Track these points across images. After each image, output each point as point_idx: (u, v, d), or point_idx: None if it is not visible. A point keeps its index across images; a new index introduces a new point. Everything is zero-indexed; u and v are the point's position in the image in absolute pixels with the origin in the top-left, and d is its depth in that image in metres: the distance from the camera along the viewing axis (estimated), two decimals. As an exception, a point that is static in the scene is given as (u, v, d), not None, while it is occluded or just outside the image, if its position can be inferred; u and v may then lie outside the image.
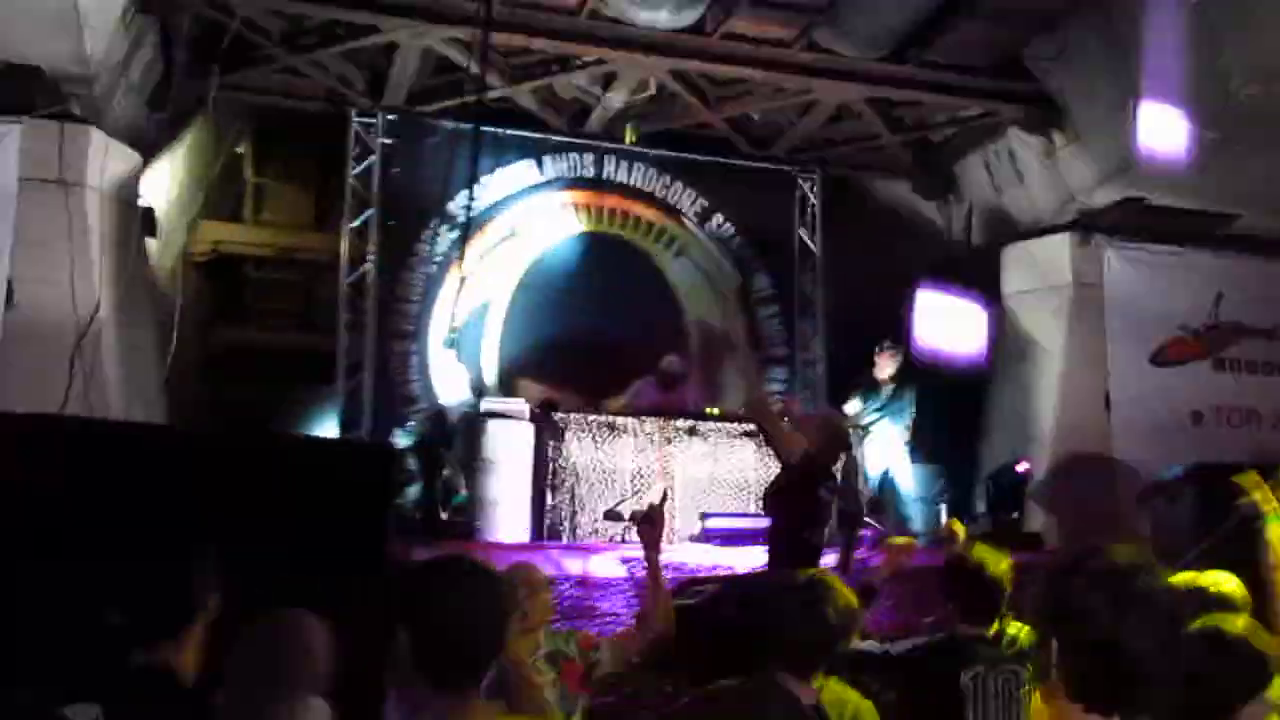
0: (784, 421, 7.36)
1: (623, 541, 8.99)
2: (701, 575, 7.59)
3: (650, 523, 4.63)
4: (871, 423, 10.79)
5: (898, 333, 11.35)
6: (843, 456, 6.71)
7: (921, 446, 10.95)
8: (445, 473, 9.31)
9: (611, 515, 9.07)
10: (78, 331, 9.01)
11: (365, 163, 11.39)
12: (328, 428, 11.38)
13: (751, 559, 7.76)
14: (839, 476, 6.59)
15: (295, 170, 13.19)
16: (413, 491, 9.03)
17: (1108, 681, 2.14)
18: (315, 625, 4.07)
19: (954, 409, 11.92)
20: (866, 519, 9.49)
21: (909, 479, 10.74)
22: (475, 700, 2.49)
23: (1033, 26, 10.79)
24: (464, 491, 9.03)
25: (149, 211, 10.79)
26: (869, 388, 10.97)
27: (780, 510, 6.70)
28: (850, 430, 6.81)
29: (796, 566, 5.99)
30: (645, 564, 4.63)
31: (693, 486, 9.64)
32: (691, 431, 9.81)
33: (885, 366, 10.92)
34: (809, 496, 6.39)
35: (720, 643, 4.10)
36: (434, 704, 2.41)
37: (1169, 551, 9.23)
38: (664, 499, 4.66)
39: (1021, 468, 10.54)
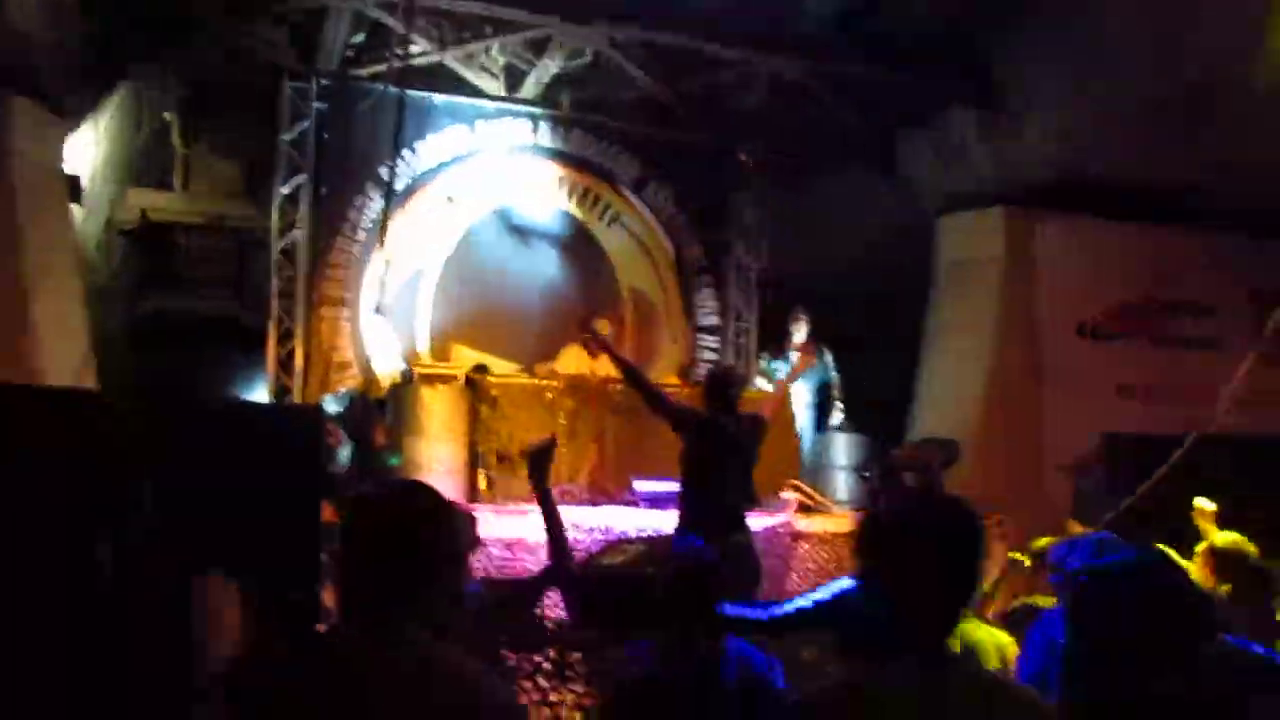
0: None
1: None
2: (629, 537, 7.82)
3: (538, 458, 4.72)
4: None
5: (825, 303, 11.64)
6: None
7: (851, 416, 11.22)
8: (379, 439, 9.49)
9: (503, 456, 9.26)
10: (3, 302, 9.12)
11: (298, 127, 11.51)
12: (259, 395, 11.54)
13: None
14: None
15: (225, 137, 13.21)
16: (344, 456, 9.20)
17: None
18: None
19: (885, 379, 12.25)
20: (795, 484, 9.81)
21: (833, 446, 11.04)
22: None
23: (975, 2, 11.08)
24: (398, 455, 9.21)
25: (74, 179, 10.88)
26: (777, 354, 11.33)
27: (682, 471, 6.81)
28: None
29: (703, 527, 6.25)
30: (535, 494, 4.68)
31: (624, 451, 9.86)
32: (625, 397, 9.97)
33: (797, 332, 11.23)
34: (703, 456, 6.51)
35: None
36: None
37: (1086, 519, 9.66)
38: (552, 443, 4.81)
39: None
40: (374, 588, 2.37)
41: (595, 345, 10.48)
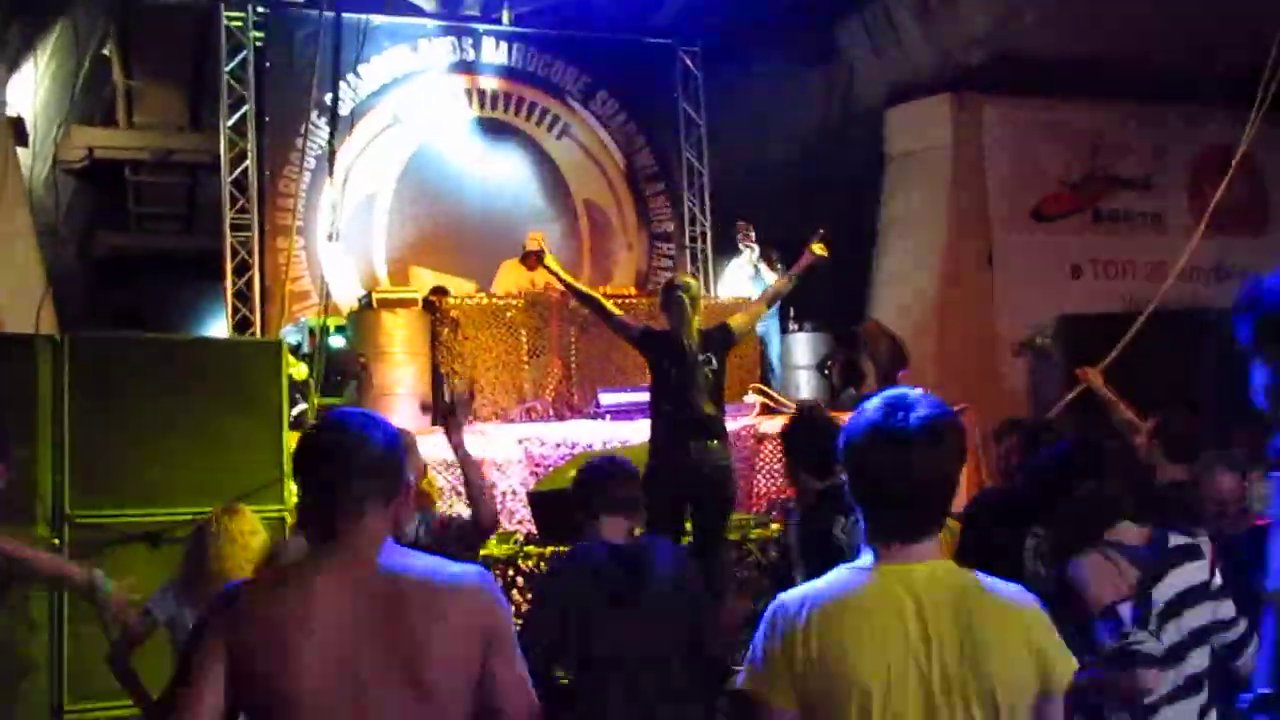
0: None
1: (518, 421, 9.32)
2: (594, 450, 7.94)
3: (452, 412, 4.83)
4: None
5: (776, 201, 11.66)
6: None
7: (807, 315, 11.29)
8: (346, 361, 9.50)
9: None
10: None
11: (238, 58, 11.37)
12: (218, 327, 11.53)
13: (643, 432, 8.07)
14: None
15: (166, 69, 13.01)
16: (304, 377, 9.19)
17: None
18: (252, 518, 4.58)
19: (837, 273, 12.31)
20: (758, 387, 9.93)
21: (790, 347, 11.14)
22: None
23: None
24: (352, 383, 9.22)
25: (18, 121, 10.75)
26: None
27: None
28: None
29: (666, 439, 6.35)
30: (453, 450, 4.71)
31: (588, 363, 9.94)
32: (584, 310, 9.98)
33: (744, 242, 11.27)
34: (658, 368, 6.52)
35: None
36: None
37: (1042, 401, 9.84)
38: (470, 394, 4.84)
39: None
40: (329, 509, 2.45)
41: (534, 261, 10.52)
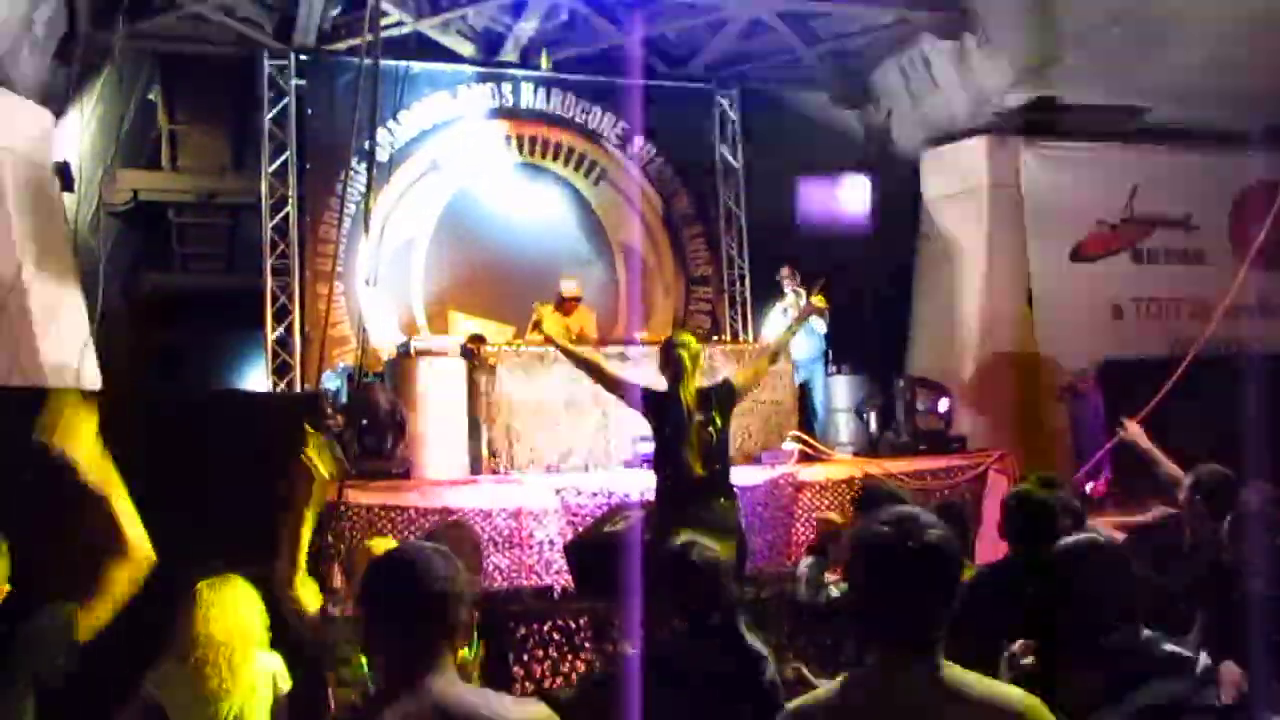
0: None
1: (554, 470, 9.29)
2: (628, 502, 7.89)
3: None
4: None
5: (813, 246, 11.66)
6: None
7: (844, 357, 11.27)
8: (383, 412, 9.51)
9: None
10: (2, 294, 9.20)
11: (279, 105, 11.50)
12: (258, 371, 11.62)
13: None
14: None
15: (209, 114, 13.19)
16: (346, 434, 9.23)
17: None
18: (247, 589, 4.46)
19: (876, 317, 12.30)
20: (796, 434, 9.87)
21: (831, 391, 11.10)
22: None
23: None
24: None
25: (64, 166, 10.89)
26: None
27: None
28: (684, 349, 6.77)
29: (667, 502, 6.29)
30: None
31: (624, 411, 9.85)
32: (621, 358, 9.95)
33: (789, 286, 11.26)
34: (658, 430, 6.41)
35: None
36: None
37: (1083, 445, 9.74)
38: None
39: (942, 407, 10.63)
40: (397, 652, 2.63)
41: (571, 306, 10.58)
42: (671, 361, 6.33)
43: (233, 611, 4.43)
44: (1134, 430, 6.62)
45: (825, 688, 2.56)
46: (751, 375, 6.76)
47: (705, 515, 6.00)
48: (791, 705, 2.59)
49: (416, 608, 2.61)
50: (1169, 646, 3.37)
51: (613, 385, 6.65)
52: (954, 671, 2.42)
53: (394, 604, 2.63)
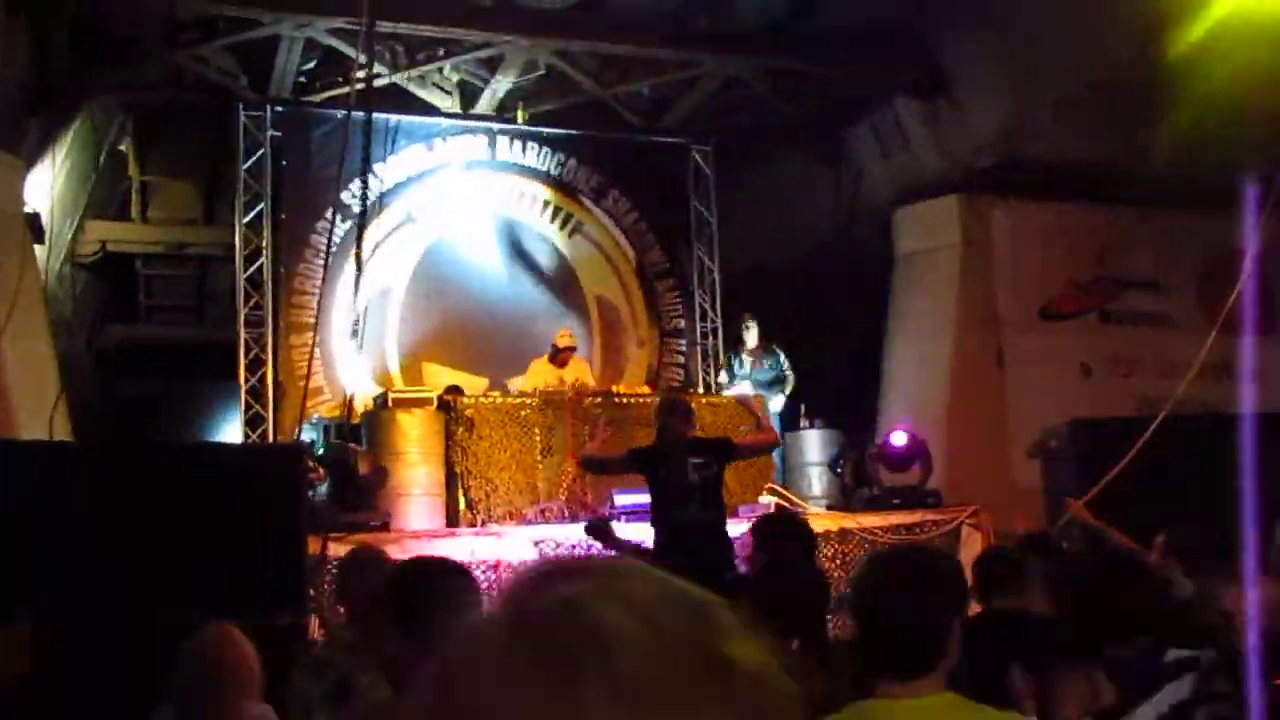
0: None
1: (532, 522, 9.29)
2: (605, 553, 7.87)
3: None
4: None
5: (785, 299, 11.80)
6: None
7: (817, 412, 11.34)
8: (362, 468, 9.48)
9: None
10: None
11: (255, 155, 11.52)
12: (231, 423, 11.54)
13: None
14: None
15: (181, 165, 13.20)
16: (323, 488, 9.21)
17: None
18: (240, 635, 4.40)
19: (849, 371, 12.39)
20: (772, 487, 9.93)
21: (802, 444, 11.16)
22: None
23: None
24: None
25: (35, 217, 10.85)
26: (734, 357, 11.56)
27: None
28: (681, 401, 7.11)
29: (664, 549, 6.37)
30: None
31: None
32: (601, 409, 10.00)
33: (749, 337, 11.39)
34: (652, 486, 6.67)
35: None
36: None
37: (1055, 504, 9.82)
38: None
39: (897, 439, 10.65)
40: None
41: (566, 357, 10.64)
42: (665, 424, 6.60)
43: (231, 656, 4.39)
44: (1077, 509, 6.72)
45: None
46: (750, 447, 7.01)
47: (705, 556, 6.14)
48: None
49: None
50: (1178, 653, 3.42)
51: (619, 463, 6.85)
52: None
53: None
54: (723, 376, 11.75)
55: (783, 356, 11.35)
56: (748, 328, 11.48)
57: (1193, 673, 3.39)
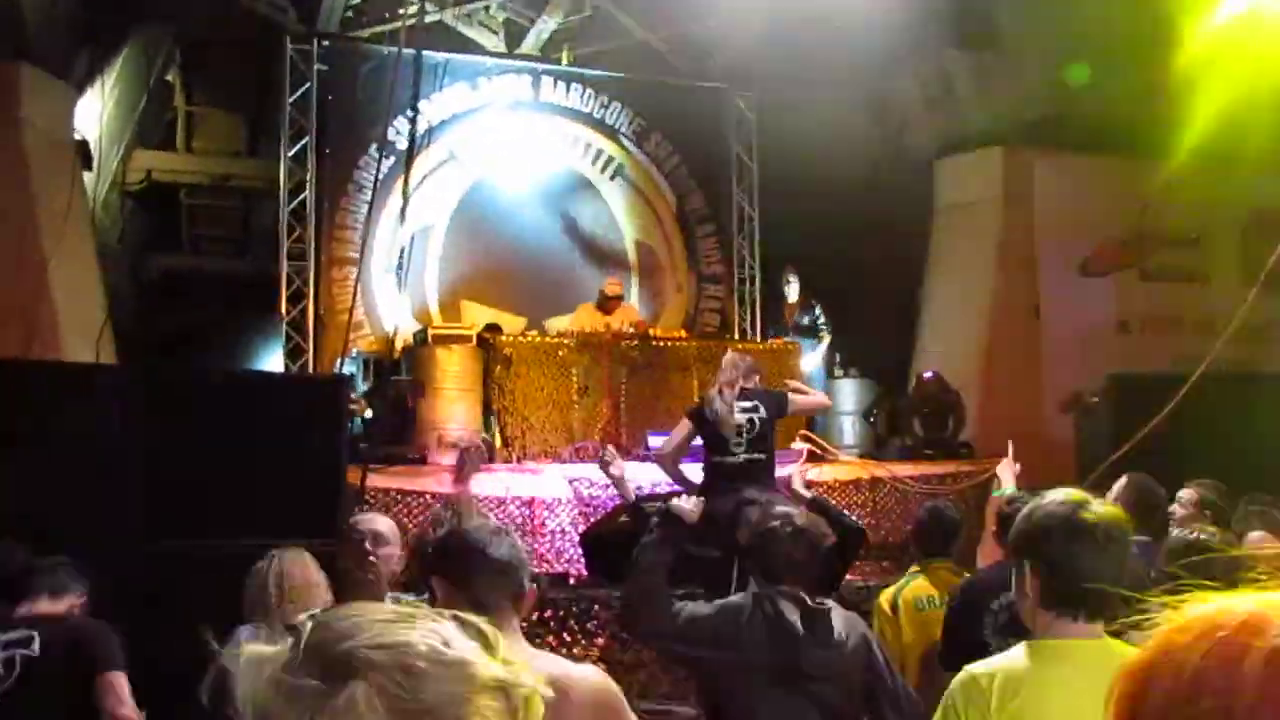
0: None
1: (567, 461, 9.38)
2: (649, 493, 7.96)
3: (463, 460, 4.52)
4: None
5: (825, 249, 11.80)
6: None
7: (853, 361, 11.37)
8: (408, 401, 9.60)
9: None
10: (24, 269, 9.27)
11: (300, 90, 11.56)
12: (272, 355, 11.68)
13: (695, 473, 8.12)
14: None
15: (227, 97, 13.31)
16: (361, 420, 9.32)
17: None
18: (311, 558, 4.55)
19: (886, 322, 12.40)
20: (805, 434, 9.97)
21: (838, 393, 11.18)
22: None
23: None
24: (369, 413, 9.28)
25: (84, 145, 10.96)
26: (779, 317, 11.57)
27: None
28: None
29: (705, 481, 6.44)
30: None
31: (637, 405, 9.99)
32: (636, 351, 10.12)
33: (789, 292, 11.40)
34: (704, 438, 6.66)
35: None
36: None
37: (1091, 458, 9.84)
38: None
39: (927, 375, 10.72)
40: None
41: (614, 305, 10.70)
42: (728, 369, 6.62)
43: (303, 575, 4.50)
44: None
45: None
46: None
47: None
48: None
49: (488, 572, 2.77)
50: None
51: (686, 436, 6.85)
52: None
53: (467, 568, 2.77)
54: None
55: (819, 310, 11.34)
56: (789, 282, 11.47)
57: None
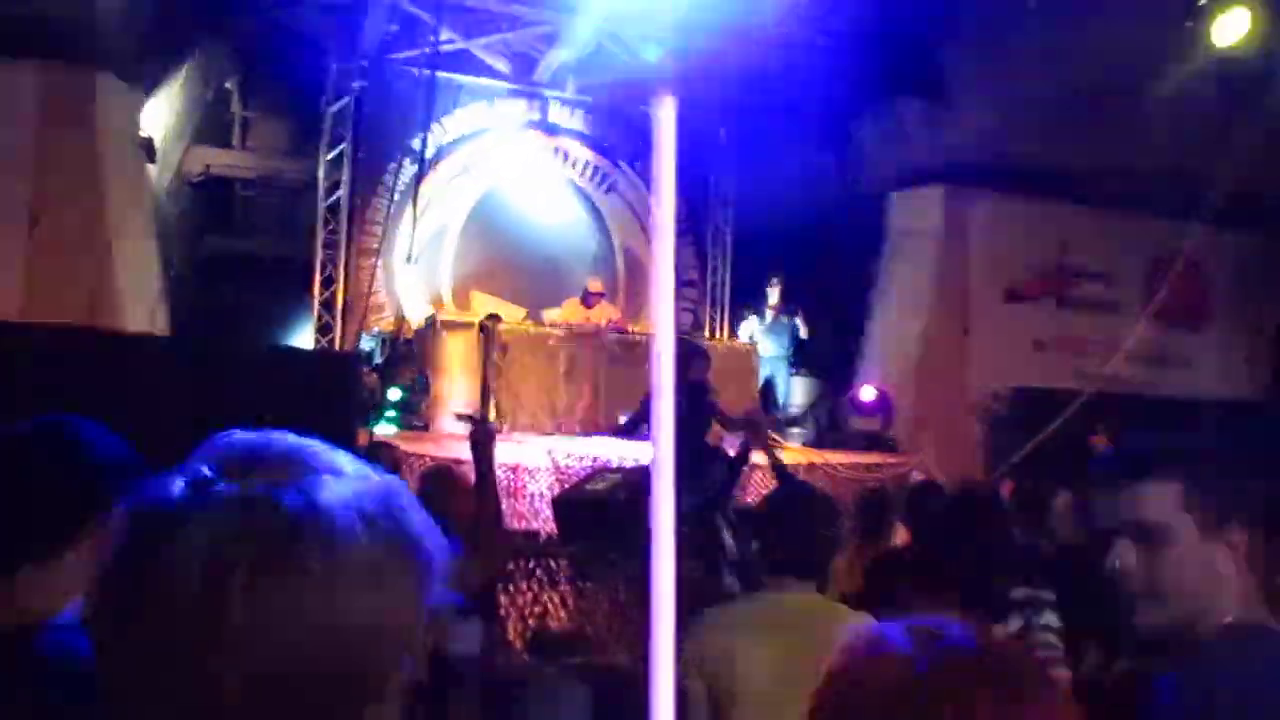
0: None
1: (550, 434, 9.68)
2: (613, 467, 8.26)
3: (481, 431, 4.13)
4: (759, 341, 11.52)
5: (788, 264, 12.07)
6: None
7: (806, 364, 11.66)
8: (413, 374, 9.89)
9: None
10: (92, 248, 9.55)
11: (340, 102, 11.84)
12: (304, 329, 11.98)
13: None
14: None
15: (276, 103, 13.54)
16: (378, 391, 9.62)
17: None
18: None
19: (838, 330, 12.68)
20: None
21: (791, 389, 11.50)
22: None
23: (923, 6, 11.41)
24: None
25: (149, 141, 11.22)
26: (759, 313, 11.77)
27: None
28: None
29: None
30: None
31: (613, 390, 10.27)
32: (616, 343, 10.41)
33: (771, 294, 11.69)
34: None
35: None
36: None
37: (991, 459, 10.14)
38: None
39: (866, 394, 11.01)
40: None
41: (594, 300, 10.94)
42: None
43: None
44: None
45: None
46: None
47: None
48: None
49: None
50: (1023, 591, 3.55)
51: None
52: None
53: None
54: (749, 323, 12.00)
55: (800, 320, 11.60)
56: (772, 286, 11.78)
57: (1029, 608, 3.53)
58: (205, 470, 0.85)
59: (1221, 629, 1.61)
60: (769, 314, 11.70)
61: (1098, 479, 1.76)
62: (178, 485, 0.84)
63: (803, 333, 11.56)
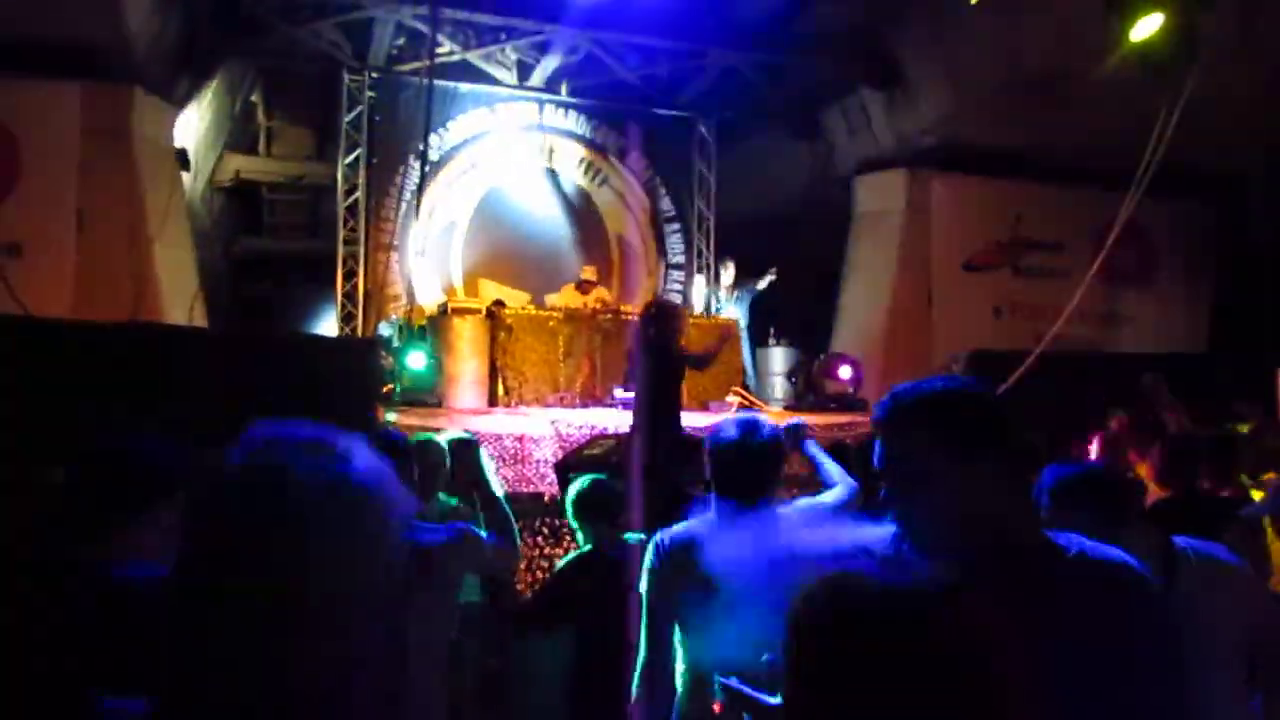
0: None
1: (553, 406, 9.86)
2: (609, 433, 8.44)
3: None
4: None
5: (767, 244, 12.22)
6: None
7: (783, 333, 11.81)
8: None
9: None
10: (134, 250, 9.72)
11: (354, 112, 11.97)
12: (329, 318, 12.15)
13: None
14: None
15: (299, 113, 13.66)
16: (394, 371, 9.78)
17: None
18: None
19: (811, 303, 12.83)
20: (737, 390, 10.45)
21: (769, 358, 11.65)
22: None
23: (882, 6, 11.50)
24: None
25: (182, 151, 11.36)
26: (715, 295, 12.11)
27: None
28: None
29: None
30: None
31: (609, 365, 10.43)
32: (611, 324, 10.57)
33: (725, 276, 11.88)
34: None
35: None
36: None
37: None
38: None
39: (844, 374, 11.16)
40: None
41: (587, 287, 11.08)
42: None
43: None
44: None
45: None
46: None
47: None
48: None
49: None
50: None
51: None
52: None
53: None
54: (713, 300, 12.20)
55: (761, 283, 11.68)
56: (725, 268, 11.97)
57: None
58: (249, 450, 1.15)
59: None
60: (724, 293, 11.89)
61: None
62: (231, 462, 1.14)
63: (762, 284, 11.60)
